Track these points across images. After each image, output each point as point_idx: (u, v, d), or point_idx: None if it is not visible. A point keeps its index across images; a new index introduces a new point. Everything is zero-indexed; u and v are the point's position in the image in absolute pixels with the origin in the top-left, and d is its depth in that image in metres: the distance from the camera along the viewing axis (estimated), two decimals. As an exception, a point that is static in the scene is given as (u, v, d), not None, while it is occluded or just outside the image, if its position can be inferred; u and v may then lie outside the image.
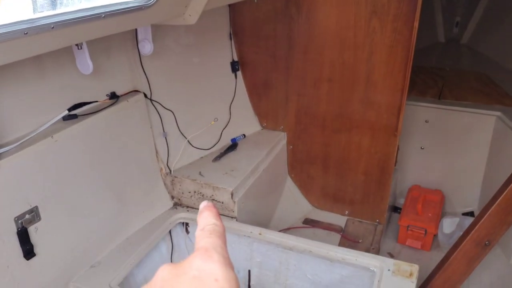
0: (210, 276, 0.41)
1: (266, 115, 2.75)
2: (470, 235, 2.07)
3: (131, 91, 2.05)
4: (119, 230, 2.00)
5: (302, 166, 2.79)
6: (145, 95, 2.10)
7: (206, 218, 0.49)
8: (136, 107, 2.04)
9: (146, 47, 1.91)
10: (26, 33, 1.15)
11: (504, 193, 2.02)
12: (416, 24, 2.11)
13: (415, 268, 1.75)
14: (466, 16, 4.52)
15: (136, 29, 1.94)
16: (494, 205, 2.04)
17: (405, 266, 1.77)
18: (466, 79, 3.43)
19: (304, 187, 2.85)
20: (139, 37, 1.93)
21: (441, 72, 3.57)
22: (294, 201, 2.84)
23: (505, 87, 3.20)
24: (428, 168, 3.06)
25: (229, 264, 0.43)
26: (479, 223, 2.06)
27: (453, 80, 3.40)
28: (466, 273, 2.12)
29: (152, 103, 2.14)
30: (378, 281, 1.72)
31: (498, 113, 2.76)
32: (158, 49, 2.11)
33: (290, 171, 2.84)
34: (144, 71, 2.08)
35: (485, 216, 2.05)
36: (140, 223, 2.09)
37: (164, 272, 0.43)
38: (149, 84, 2.10)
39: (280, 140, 2.72)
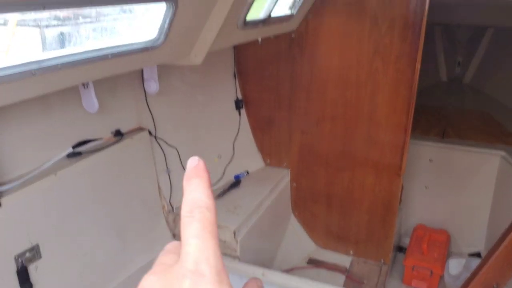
0: None
1: (270, 152, 2.76)
2: (477, 277, 2.03)
3: (136, 128, 2.07)
4: (120, 269, 1.97)
5: (305, 204, 2.77)
6: (150, 132, 2.11)
7: (195, 192, 0.41)
8: (141, 144, 2.05)
9: (152, 86, 1.94)
10: (34, 73, 1.17)
11: (511, 235, 1.99)
12: (418, 65, 2.14)
13: (421, 311, 1.71)
14: (467, 56, 4.58)
15: (142, 68, 1.98)
16: (501, 247, 2.00)
17: (411, 309, 1.73)
18: (469, 118, 3.44)
19: (308, 225, 2.82)
20: (145, 76, 1.96)
21: (444, 111, 3.59)
22: (297, 240, 2.80)
23: (508, 126, 3.21)
24: (433, 208, 3.03)
25: (224, 279, 0.37)
26: (486, 265, 2.02)
27: (456, 119, 3.41)
28: (474, 317, 2.06)
29: (156, 140, 2.15)
30: (384, 325, 1.68)
31: (503, 153, 2.75)
32: (163, 88, 2.13)
33: (294, 209, 2.82)
34: (149, 109, 2.10)
35: (492, 258, 2.01)
36: (141, 262, 2.06)
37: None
38: (154, 121, 2.12)
39: (283, 177, 2.71)
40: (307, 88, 2.48)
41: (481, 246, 2.95)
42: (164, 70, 2.12)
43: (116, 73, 1.56)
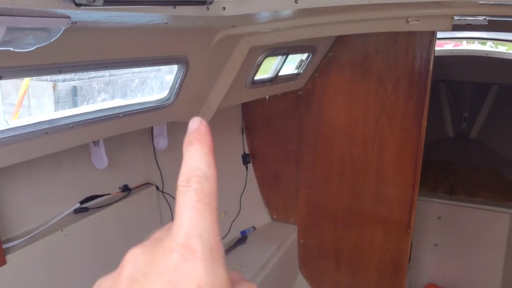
0: (190, 281, 0.31)
1: (277, 207, 2.74)
2: None
3: (143, 184, 2.08)
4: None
5: (313, 261, 2.72)
6: (157, 188, 2.12)
7: (193, 159, 0.36)
8: (148, 200, 2.05)
9: (161, 143, 1.97)
10: (46, 132, 1.20)
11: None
12: (425, 123, 2.16)
13: None
14: (473, 111, 4.62)
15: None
16: (516, 311, 1.94)
17: None
18: (476, 174, 3.43)
19: (316, 283, 2.75)
20: (155, 133, 1.99)
21: (452, 167, 3.59)
22: (305, 299, 2.73)
23: (518, 183, 3.18)
24: (443, 266, 2.96)
25: (218, 258, 0.33)
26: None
27: (464, 175, 3.40)
28: None
29: (163, 195, 2.15)
30: None
31: (513, 211, 2.72)
32: (172, 143, 2.16)
33: (301, 267, 2.76)
34: (157, 164, 2.12)
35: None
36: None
37: (133, 264, 0.34)
38: (161, 176, 2.13)
39: (290, 233, 2.68)
40: (314, 144, 2.50)
41: (495, 307, 2.85)
42: (174, 126, 2.15)
43: (127, 131, 1.59)
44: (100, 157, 1.70)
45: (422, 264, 2.99)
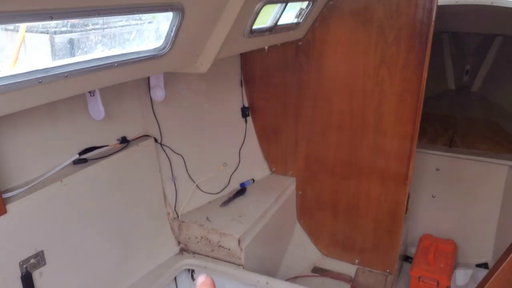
0: None
1: (276, 160, 2.76)
2: (484, 289, 2.00)
3: (141, 136, 2.08)
4: (125, 276, 1.97)
5: (311, 212, 2.76)
6: (156, 140, 2.12)
7: None
8: (146, 152, 2.06)
9: (158, 94, 1.95)
10: (41, 81, 1.18)
11: (518, 246, 1.96)
12: (425, 75, 2.13)
13: (426, 323, 1.69)
14: (476, 64, 4.55)
15: (148, 76, 1.99)
16: (508, 259, 1.98)
17: (416, 321, 1.71)
18: (476, 127, 3.42)
19: (313, 234, 2.81)
20: (152, 84, 1.97)
21: (452, 120, 3.57)
22: (303, 248, 2.79)
23: (517, 136, 3.18)
24: (440, 217, 3.01)
25: None
26: (492, 278, 1.99)
27: (463, 128, 3.39)
28: (481, 329, 2.03)
29: (162, 147, 2.16)
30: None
31: (511, 163, 2.73)
32: (170, 95, 2.14)
33: (299, 217, 2.81)
34: (155, 116, 2.11)
35: (499, 270, 1.99)
36: (146, 269, 2.07)
37: None
38: (159, 129, 2.13)
39: (289, 185, 2.71)
40: (313, 97, 2.48)
41: (488, 256, 2.92)
42: (171, 78, 2.13)
43: (123, 81, 1.57)
44: (97, 108, 1.69)
45: (419, 215, 3.04)
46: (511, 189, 2.71)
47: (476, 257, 2.96)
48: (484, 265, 2.91)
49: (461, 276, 2.66)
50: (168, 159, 2.18)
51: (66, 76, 1.25)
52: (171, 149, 2.19)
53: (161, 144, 2.14)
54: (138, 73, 1.60)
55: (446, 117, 3.65)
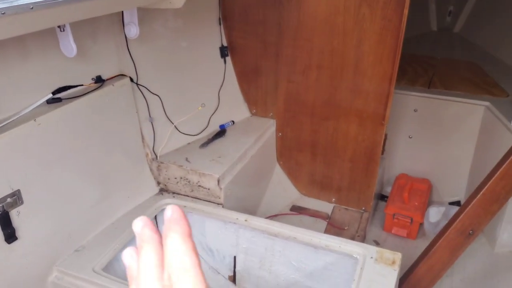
0: None
1: (256, 101, 2.74)
2: (454, 224, 2.09)
3: (117, 75, 2.03)
4: (104, 215, 1.99)
5: (290, 153, 2.79)
6: (132, 80, 2.07)
7: (170, 253, 0.37)
8: (122, 92, 2.02)
9: (132, 31, 1.88)
10: (4, 13, 1.13)
11: (489, 183, 2.03)
12: (406, 11, 2.09)
13: (397, 256, 1.77)
14: (459, 5, 4.50)
15: (122, 12, 1.91)
16: (479, 195, 2.05)
17: (388, 254, 1.79)
18: (456, 68, 3.43)
19: (293, 174, 2.85)
20: (125, 20, 1.90)
21: (432, 61, 3.57)
22: (282, 188, 2.84)
23: (495, 77, 3.20)
24: (416, 157, 3.07)
25: None
26: (464, 213, 2.07)
27: (443, 69, 3.39)
28: (450, 262, 2.14)
29: (138, 87, 2.12)
30: (361, 268, 1.73)
31: (487, 103, 2.76)
32: (145, 33, 2.08)
33: (279, 158, 2.84)
34: (130, 55, 2.05)
35: (470, 206, 2.07)
36: (125, 209, 2.09)
37: None
38: (135, 68, 2.08)
39: (269, 127, 2.71)
40: (294, 36, 2.43)
41: (461, 195, 3.02)
42: (146, 15, 2.05)
43: (93, 16, 1.50)
44: (68, 44, 1.63)
45: (395, 155, 3.10)
46: (486, 130, 2.76)
47: (450, 195, 3.06)
48: (457, 203, 3.01)
49: (434, 213, 2.76)
50: (145, 99, 2.15)
51: (32, 8, 1.19)
52: (148, 89, 2.15)
53: (137, 83, 2.10)
54: (109, 7, 1.54)
55: (427, 58, 3.64)
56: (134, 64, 2.07)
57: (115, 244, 1.90)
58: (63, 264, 1.78)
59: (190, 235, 0.38)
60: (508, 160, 2.00)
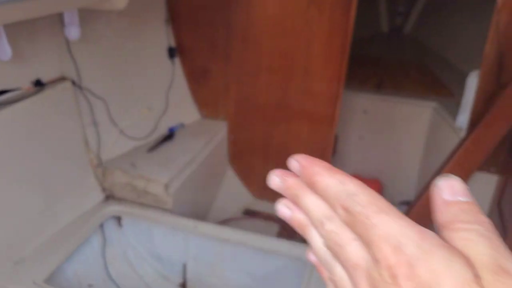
0: None
1: (206, 103, 2.70)
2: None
3: (58, 78, 1.94)
4: (46, 225, 1.90)
5: (243, 156, 2.77)
6: (74, 83, 1.99)
7: (328, 187, 0.34)
8: (64, 95, 1.93)
9: (73, 32, 1.80)
10: None
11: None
12: (353, 13, 2.11)
13: (345, 258, 1.77)
14: (408, 6, 4.61)
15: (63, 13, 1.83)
16: (425, 195, 2.10)
17: (336, 256, 1.79)
18: (406, 69, 3.50)
19: (245, 177, 2.83)
20: (65, 22, 1.82)
21: (382, 62, 3.63)
22: (234, 192, 2.81)
23: (443, 78, 3.29)
24: (367, 158, 3.11)
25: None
26: (410, 213, 2.11)
27: (393, 70, 3.46)
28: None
29: (81, 90, 2.03)
30: (310, 271, 1.73)
31: (434, 104, 2.83)
32: (88, 34, 2.00)
33: (231, 161, 2.81)
34: (72, 57, 1.96)
35: (416, 206, 2.11)
36: (70, 217, 2.00)
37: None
38: (78, 70, 1.99)
39: (220, 130, 2.68)
40: (243, 37, 2.40)
41: (411, 194, 3.09)
42: (89, 15, 1.97)
43: (29, 18, 1.43)
44: (2, 47, 1.54)
45: (347, 157, 3.13)
46: (433, 130, 2.83)
47: (400, 195, 3.12)
48: (407, 202, 3.07)
49: (384, 212, 2.80)
50: (89, 103, 2.07)
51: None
52: (92, 92, 2.07)
53: (80, 87, 2.01)
54: (45, 9, 1.47)
55: (377, 59, 3.70)
56: (77, 67, 1.99)
57: (58, 254, 1.81)
58: (1, 277, 1.68)
59: (332, 167, 0.36)
60: (452, 161, 2.05)
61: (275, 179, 0.40)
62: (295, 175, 0.39)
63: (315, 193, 0.36)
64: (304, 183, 0.37)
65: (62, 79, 1.95)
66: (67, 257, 1.86)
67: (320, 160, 0.37)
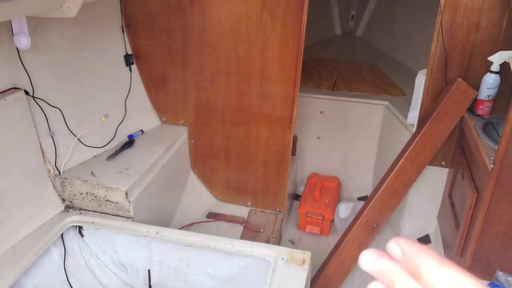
0: None
1: (165, 109, 2.70)
2: (360, 220, 2.20)
3: (9, 89, 1.89)
4: (2, 238, 1.85)
5: (204, 160, 2.78)
6: (27, 93, 1.95)
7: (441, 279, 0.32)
8: (16, 106, 1.89)
9: (22, 41, 1.77)
10: None
11: (388, 179, 2.17)
12: (305, 18, 2.17)
13: (307, 255, 1.82)
14: (360, 9, 4.76)
15: (11, 22, 1.79)
16: (380, 191, 2.18)
17: (298, 254, 1.84)
18: (358, 70, 3.62)
19: (208, 181, 2.85)
20: (14, 30, 1.78)
21: (336, 64, 3.74)
22: (197, 196, 2.83)
23: (393, 77, 3.42)
24: (325, 157, 3.20)
25: None
26: (367, 208, 2.20)
27: (346, 71, 3.57)
28: (358, 255, 2.25)
29: (35, 100, 1.99)
30: (273, 270, 1.76)
31: (386, 103, 2.95)
32: (40, 43, 1.97)
33: (193, 166, 2.82)
34: (24, 66, 1.93)
35: (372, 201, 2.19)
36: (27, 230, 1.96)
37: None
38: (30, 80, 1.95)
39: (181, 135, 2.68)
40: (199, 43, 2.42)
41: (368, 190, 3.19)
42: (40, 24, 1.94)
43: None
44: None
45: (307, 156, 3.21)
46: (386, 128, 2.94)
47: (357, 191, 3.23)
48: (364, 198, 3.18)
49: (343, 209, 2.89)
50: (44, 113, 2.03)
51: None
52: (46, 102, 2.04)
53: (33, 97, 1.98)
54: (-8, 17, 1.44)
55: (331, 61, 3.80)
56: (29, 76, 1.95)
57: (15, 269, 1.77)
58: (-46, 297, 1.63)
59: (442, 258, 0.34)
60: (404, 157, 2.15)
61: (369, 260, 0.36)
62: (390, 256, 0.36)
63: (418, 284, 0.33)
64: (404, 269, 0.35)
65: (13, 89, 1.91)
66: (25, 270, 1.82)
67: (427, 248, 0.34)
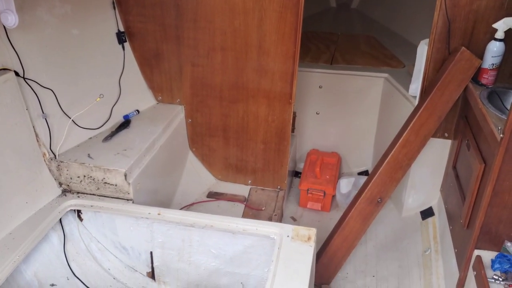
0: None
1: (161, 88, 2.63)
2: (364, 194, 2.17)
3: (-2, 70, 1.82)
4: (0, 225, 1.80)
5: (203, 139, 2.73)
6: (17, 74, 1.87)
7: None
8: (6, 88, 1.81)
9: (10, 19, 1.68)
10: None
11: (392, 152, 2.13)
12: (303, -11, 2.09)
13: (312, 232, 1.79)
14: (355, -19, 4.66)
15: (-4, -1, 1.70)
16: (384, 164, 2.15)
17: (303, 230, 1.81)
18: (356, 43, 3.55)
19: (207, 160, 2.80)
20: (0, 8, 1.70)
21: (333, 37, 3.66)
22: (197, 176, 2.78)
23: (392, 49, 3.36)
24: (325, 132, 3.15)
25: None
26: (371, 183, 2.16)
27: (344, 44, 3.50)
28: (362, 230, 2.23)
29: (26, 81, 1.92)
30: (278, 248, 1.74)
31: (386, 75, 2.89)
32: (28, 21, 1.88)
33: (191, 145, 2.77)
34: (12, 46, 1.84)
35: (376, 175, 2.16)
36: (24, 215, 1.91)
37: None
38: (20, 60, 1.87)
39: (177, 114, 2.62)
40: (194, 17, 2.34)
41: (368, 164, 3.17)
42: (27, 1, 1.85)
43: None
44: None
45: (306, 132, 3.16)
46: (386, 100, 2.89)
47: (358, 166, 3.20)
48: (365, 173, 3.16)
49: (345, 184, 2.86)
50: (36, 94, 1.96)
51: None
52: (38, 83, 1.96)
53: (24, 77, 1.90)
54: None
55: (328, 34, 3.72)
56: (19, 57, 1.87)
57: (14, 255, 1.73)
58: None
59: None
60: (408, 128, 2.10)
61: None
62: None
63: None
64: None
65: (3, 70, 1.83)
66: (24, 257, 1.78)
67: None
